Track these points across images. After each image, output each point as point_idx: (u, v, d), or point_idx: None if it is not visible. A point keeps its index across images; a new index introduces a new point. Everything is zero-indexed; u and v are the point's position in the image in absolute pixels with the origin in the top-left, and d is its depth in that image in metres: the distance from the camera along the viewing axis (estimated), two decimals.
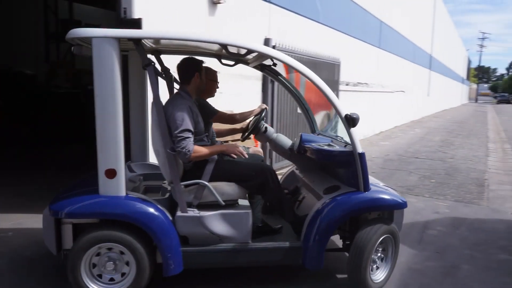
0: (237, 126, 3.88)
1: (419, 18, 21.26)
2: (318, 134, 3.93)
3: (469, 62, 74.33)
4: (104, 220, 2.85)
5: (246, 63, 3.88)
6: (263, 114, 3.64)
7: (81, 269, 2.77)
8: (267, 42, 6.89)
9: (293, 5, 7.78)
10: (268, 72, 3.87)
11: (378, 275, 3.19)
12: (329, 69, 9.30)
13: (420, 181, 7.12)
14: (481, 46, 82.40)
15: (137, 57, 3.19)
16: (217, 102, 6.06)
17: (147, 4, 4.72)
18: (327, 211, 3.01)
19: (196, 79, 3.11)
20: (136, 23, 4.50)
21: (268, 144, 3.86)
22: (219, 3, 5.70)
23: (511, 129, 18.85)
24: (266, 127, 3.70)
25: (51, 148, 8.38)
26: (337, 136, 3.78)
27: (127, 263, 2.83)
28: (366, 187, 3.08)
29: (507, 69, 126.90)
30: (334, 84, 9.72)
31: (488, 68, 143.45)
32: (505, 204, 5.89)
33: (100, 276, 2.85)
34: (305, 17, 8.33)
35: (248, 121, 3.80)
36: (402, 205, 3.22)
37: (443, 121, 22.05)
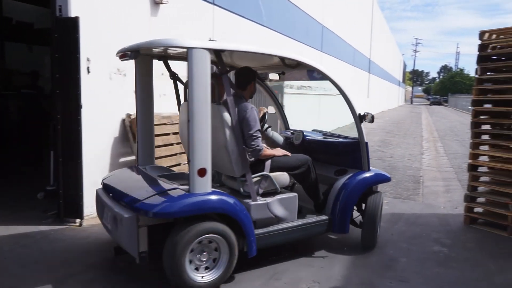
0: None
1: (358, 24, 22.20)
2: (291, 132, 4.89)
3: (405, 66, 78.74)
4: (179, 218, 3.00)
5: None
6: (266, 117, 4.34)
7: (185, 264, 2.93)
8: None
9: (237, 7, 7.81)
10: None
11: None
12: None
13: None
14: (415, 51, 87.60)
15: (144, 64, 3.76)
16: (163, 103, 5.93)
17: (85, 2, 4.53)
18: (349, 188, 3.89)
19: (251, 87, 3.66)
20: (73, 22, 4.31)
21: (265, 141, 4.44)
22: (162, 3, 5.59)
23: (443, 128, 20.19)
24: (267, 127, 4.42)
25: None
26: (322, 131, 4.88)
27: (216, 252, 3.12)
28: (369, 167, 4.08)
29: (438, 72, 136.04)
30: (279, 88, 9.89)
31: (422, 71, 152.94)
32: (438, 199, 6.29)
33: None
34: (249, 19, 8.39)
35: None
36: (389, 179, 4.29)
37: (382, 122, 23.13)
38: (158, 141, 5.23)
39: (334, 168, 4.21)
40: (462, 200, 5.16)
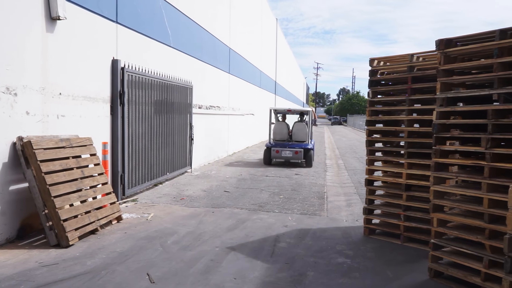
0: None
1: (264, 48, 23.13)
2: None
3: (308, 88, 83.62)
4: (311, 149, 13.01)
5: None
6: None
7: (313, 159, 13.63)
8: (115, 63, 6.61)
9: (142, 27, 7.65)
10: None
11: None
12: (181, 92, 9.38)
13: (271, 197, 7.61)
14: (317, 74, 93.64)
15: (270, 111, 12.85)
16: (62, 125, 5.53)
17: None
18: (313, 145, 13.22)
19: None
20: None
21: None
22: (59, 19, 5.26)
23: (343, 146, 21.68)
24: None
25: None
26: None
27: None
28: (312, 140, 13.53)
29: (338, 95, 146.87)
30: (187, 107, 9.83)
31: (323, 93, 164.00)
32: (341, 213, 6.68)
33: None
34: (156, 40, 8.27)
35: None
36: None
37: None
38: (55, 165, 4.84)
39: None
40: (362, 213, 5.55)
